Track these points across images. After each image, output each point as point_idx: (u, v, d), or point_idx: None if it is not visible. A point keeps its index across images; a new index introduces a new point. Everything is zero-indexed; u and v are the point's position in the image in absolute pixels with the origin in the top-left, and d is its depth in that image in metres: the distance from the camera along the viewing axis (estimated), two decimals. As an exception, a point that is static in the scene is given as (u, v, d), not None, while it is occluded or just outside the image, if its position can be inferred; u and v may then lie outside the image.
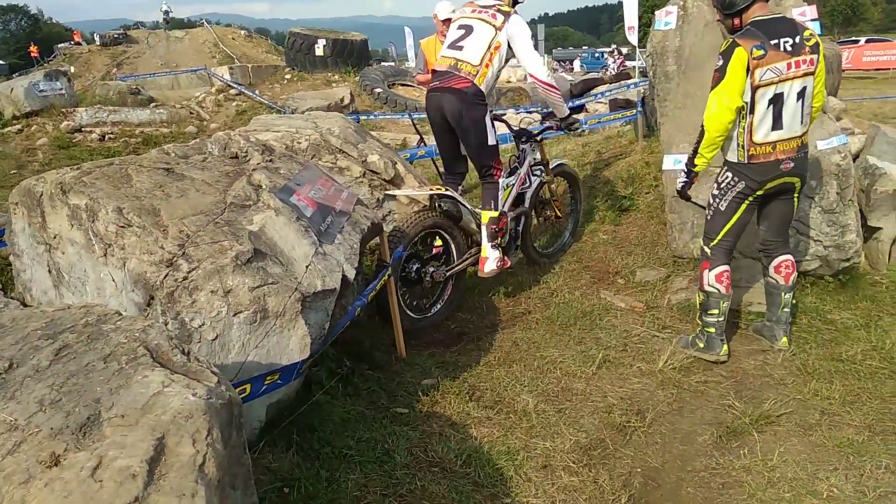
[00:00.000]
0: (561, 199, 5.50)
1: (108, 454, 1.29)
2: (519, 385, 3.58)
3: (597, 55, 50.53)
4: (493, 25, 4.16)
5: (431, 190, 4.48)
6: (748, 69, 3.41)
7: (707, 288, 3.81)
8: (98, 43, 42.94)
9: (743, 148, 3.58)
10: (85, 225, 2.59)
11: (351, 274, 2.89)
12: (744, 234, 3.95)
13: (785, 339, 3.88)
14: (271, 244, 2.65)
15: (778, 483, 2.75)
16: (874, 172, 4.73)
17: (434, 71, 4.35)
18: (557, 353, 3.91)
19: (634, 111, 7.82)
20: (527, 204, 4.98)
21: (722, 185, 3.71)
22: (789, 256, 3.86)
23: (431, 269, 4.36)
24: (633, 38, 16.79)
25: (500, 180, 4.41)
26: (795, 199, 3.78)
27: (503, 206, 4.52)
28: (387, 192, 5.06)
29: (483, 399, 3.45)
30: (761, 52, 3.39)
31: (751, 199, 3.68)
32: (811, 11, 5.15)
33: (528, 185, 4.99)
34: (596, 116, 10.15)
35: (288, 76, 18.72)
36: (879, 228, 4.75)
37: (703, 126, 3.57)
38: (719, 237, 3.78)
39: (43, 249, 2.83)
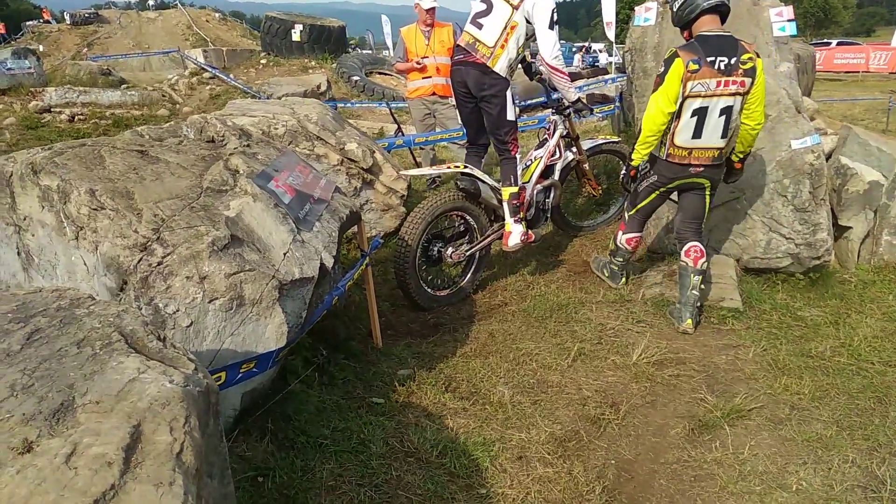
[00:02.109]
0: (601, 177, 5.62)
1: (82, 441, 1.25)
2: (495, 376, 3.58)
3: (574, 49, 50.75)
4: (511, 4, 4.18)
5: (450, 168, 4.56)
6: (683, 81, 3.75)
7: (619, 244, 4.53)
8: (68, 22, 41.99)
9: (664, 146, 4.02)
10: (56, 206, 2.52)
11: (329, 262, 2.86)
12: (714, 231, 4.49)
13: (689, 320, 4.06)
14: (248, 230, 2.61)
15: (748, 476, 2.79)
16: (846, 172, 4.81)
17: (457, 46, 4.41)
18: (533, 346, 3.92)
19: (612, 106, 7.85)
20: (556, 176, 5.00)
21: (642, 172, 4.24)
22: (697, 243, 4.13)
23: (451, 250, 4.50)
24: (610, 33, 16.89)
25: (517, 156, 4.47)
26: (707, 197, 4.14)
27: (524, 180, 4.63)
28: (403, 172, 5.09)
29: (459, 390, 3.44)
30: (696, 66, 3.71)
31: (661, 190, 4.21)
32: (788, 12, 5.20)
33: (557, 156, 5.00)
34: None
35: (263, 61, 18.46)
36: (849, 228, 4.85)
37: (640, 125, 4.02)
38: (634, 210, 4.42)
39: (12, 231, 2.75)
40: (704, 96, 3.77)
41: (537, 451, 2.93)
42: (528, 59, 4.82)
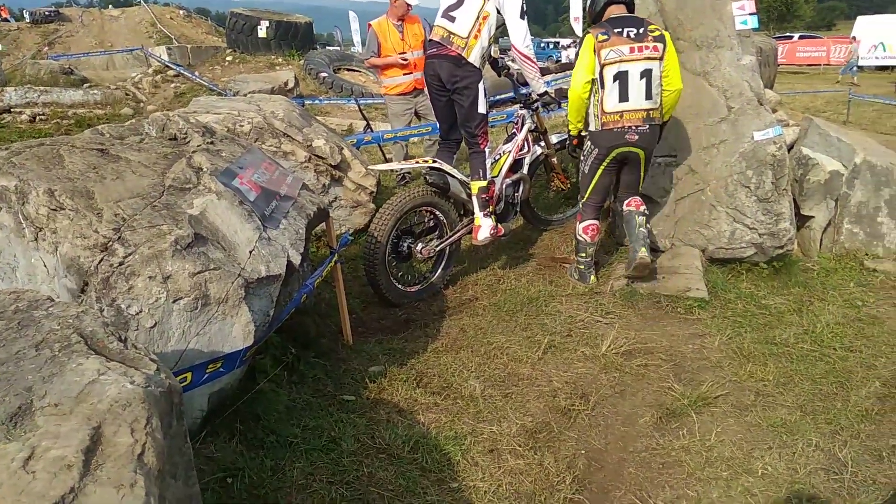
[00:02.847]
0: (569, 171, 5.64)
1: (41, 444, 1.23)
2: (466, 371, 3.58)
3: (542, 45, 50.98)
4: None
5: (419, 163, 4.57)
6: (595, 51, 4.17)
7: (578, 237, 4.67)
8: (28, 20, 41.03)
9: (597, 118, 4.31)
10: (14, 208, 2.46)
11: (296, 259, 2.84)
12: (680, 223, 4.60)
13: (643, 250, 4.35)
14: (213, 228, 2.58)
15: (715, 462, 2.84)
16: (807, 163, 4.91)
17: (430, 41, 4.44)
18: (504, 339, 3.93)
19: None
20: (525, 170, 5.02)
21: (585, 152, 4.55)
22: (635, 196, 4.51)
23: (420, 245, 4.49)
24: (578, 28, 16.96)
25: (486, 150, 4.48)
26: (642, 169, 4.44)
27: (493, 174, 4.65)
28: (371, 167, 5.07)
29: (430, 385, 3.44)
30: (605, 36, 4.15)
31: (604, 164, 4.42)
32: (749, 6, 5.30)
33: (525, 150, 5.02)
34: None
35: (229, 58, 18.22)
36: (811, 217, 4.95)
37: None
38: (587, 195, 4.60)
39: (-32, 234, 2.68)
40: (620, 61, 4.14)
41: (508, 443, 2.95)
42: (495, 54, 4.84)
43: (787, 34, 38.77)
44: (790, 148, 5.19)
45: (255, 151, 3.40)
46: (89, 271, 2.31)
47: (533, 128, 5.03)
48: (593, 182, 4.51)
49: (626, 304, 4.37)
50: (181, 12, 45.17)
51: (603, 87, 4.21)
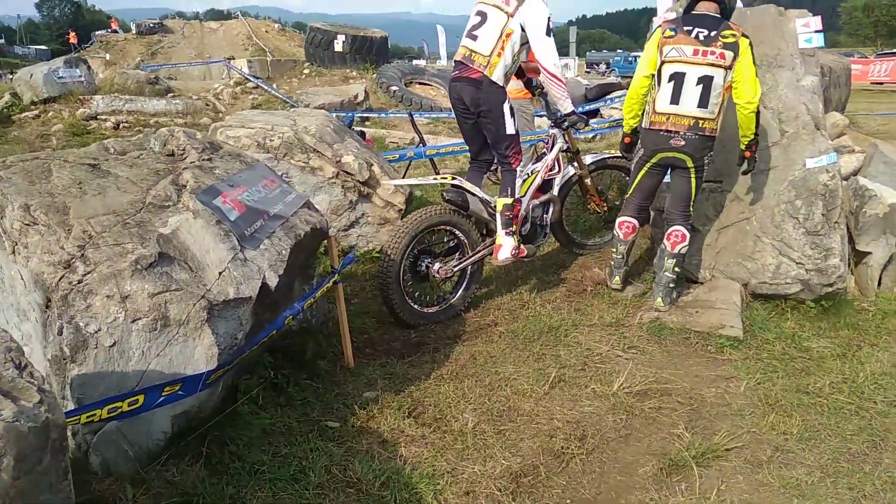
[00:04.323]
0: (607, 194, 5.44)
1: None
2: (464, 402, 3.43)
3: (629, 59, 50.06)
4: (506, 12, 4.10)
5: (436, 179, 4.47)
6: (659, 46, 4.08)
7: (614, 231, 4.57)
8: (134, 31, 43.79)
9: (648, 115, 4.22)
10: (-5, 221, 2.52)
11: (273, 281, 2.78)
12: (722, 253, 4.52)
13: (660, 299, 4.29)
14: (182, 248, 2.55)
15: (710, 525, 2.58)
16: (864, 194, 4.49)
17: (455, 61, 4.36)
18: (513, 370, 3.75)
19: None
20: (555, 191, 4.86)
21: (635, 149, 4.45)
22: (681, 228, 4.26)
23: (438, 265, 4.37)
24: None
25: (518, 168, 4.37)
26: (692, 179, 4.20)
27: (520, 194, 4.50)
28: (390, 182, 5.03)
29: (423, 415, 3.31)
30: (672, 33, 4.04)
31: (648, 165, 4.31)
32: (815, 23, 4.92)
33: (555, 170, 4.86)
34: (603, 121, 9.93)
35: (306, 71, 18.72)
36: (869, 253, 4.51)
37: None
38: (630, 191, 4.50)
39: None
40: (680, 62, 4.00)
41: (487, 486, 2.77)
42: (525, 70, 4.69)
43: (894, 51, 36.45)
44: (851, 177, 4.77)
45: (257, 168, 3.38)
46: (51, 287, 2.32)
47: (565, 148, 4.83)
48: (636, 181, 4.42)
49: (653, 339, 4.10)
50: (276, 26, 47.09)
51: (659, 84, 4.11)
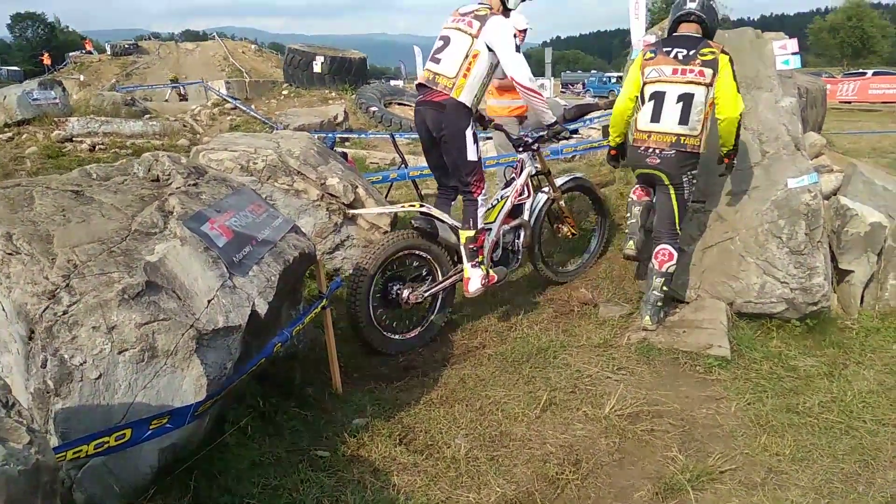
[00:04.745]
0: (577, 216, 5.36)
1: None
2: (456, 427, 3.38)
3: (604, 79, 50.81)
4: (469, 34, 4.05)
5: (403, 206, 4.41)
6: (641, 68, 4.22)
7: (629, 196, 4.65)
8: (109, 52, 43.47)
9: (632, 133, 4.33)
10: (-25, 250, 2.44)
11: (263, 309, 2.73)
12: (707, 273, 4.60)
13: (647, 318, 4.30)
14: (170, 276, 2.49)
15: (709, 550, 2.55)
16: (845, 213, 4.55)
17: (418, 85, 4.30)
18: (503, 393, 3.72)
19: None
20: (526, 216, 4.80)
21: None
22: (667, 247, 4.27)
23: (407, 291, 4.26)
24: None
25: (480, 198, 4.29)
26: (672, 197, 4.23)
27: (489, 220, 4.47)
28: (351, 211, 4.94)
29: (415, 442, 3.26)
30: (652, 55, 4.18)
31: (635, 178, 4.53)
32: (791, 45, 5.01)
33: (525, 195, 4.80)
34: (586, 142, 10.00)
35: (285, 92, 18.68)
36: (851, 272, 4.56)
37: None
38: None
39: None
40: (660, 81, 4.11)
41: (483, 514, 2.73)
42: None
43: (860, 70, 37.38)
44: (831, 196, 4.84)
45: (243, 192, 3.33)
46: (34, 319, 2.25)
47: (534, 172, 4.83)
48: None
49: (641, 360, 4.10)
50: (253, 47, 47.03)
51: (642, 104, 4.24)
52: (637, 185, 4.56)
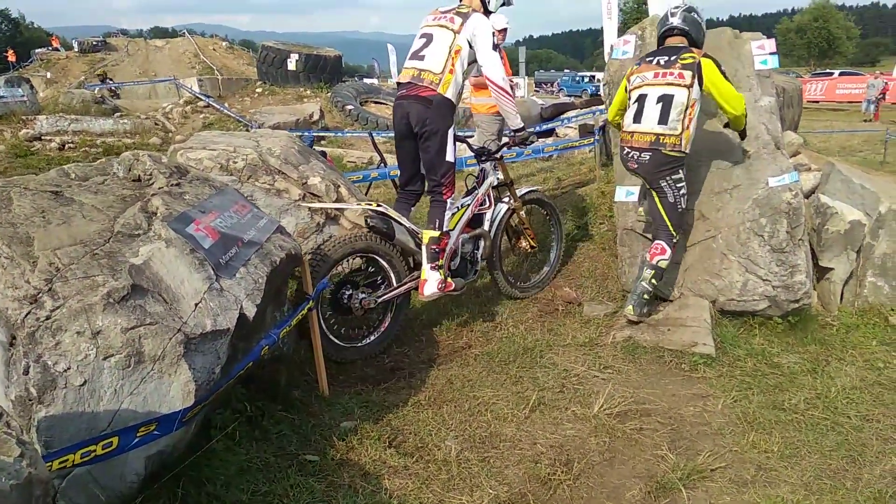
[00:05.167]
0: (534, 229, 5.26)
1: None
2: (445, 429, 3.35)
3: (577, 78, 51.26)
4: (452, 30, 4.08)
5: (360, 204, 4.31)
6: (627, 78, 4.42)
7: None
8: (76, 49, 42.57)
9: (619, 134, 4.54)
10: (-50, 253, 2.35)
11: (251, 311, 2.67)
12: (690, 271, 4.61)
13: (631, 307, 4.33)
14: (156, 279, 2.42)
15: (703, 549, 2.55)
16: (825, 212, 4.61)
17: (399, 83, 4.28)
18: (491, 394, 3.70)
19: (592, 139, 7.70)
20: (486, 226, 4.71)
21: None
22: (662, 242, 4.32)
23: (362, 296, 4.10)
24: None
25: (449, 201, 4.25)
26: (657, 200, 4.32)
27: (448, 226, 4.30)
28: (305, 205, 4.72)
29: (405, 445, 3.22)
30: (637, 65, 4.39)
31: None
32: (769, 45, 5.06)
33: (486, 205, 4.74)
34: (563, 141, 10.05)
35: (259, 90, 18.47)
36: (831, 269, 4.62)
37: None
38: None
39: None
40: (643, 85, 4.25)
41: (476, 517, 2.71)
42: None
43: (828, 71, 38.12)
44: (810, 194, 4.90)
45: (227, 192, 3.26)
46: (16, 324, 2.17)
47: (495, 182, 4.78)
48: None
49: (627, 358, 4.11)
50: (224, 44, 46.39)
51: (629, 108, 4.39)
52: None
